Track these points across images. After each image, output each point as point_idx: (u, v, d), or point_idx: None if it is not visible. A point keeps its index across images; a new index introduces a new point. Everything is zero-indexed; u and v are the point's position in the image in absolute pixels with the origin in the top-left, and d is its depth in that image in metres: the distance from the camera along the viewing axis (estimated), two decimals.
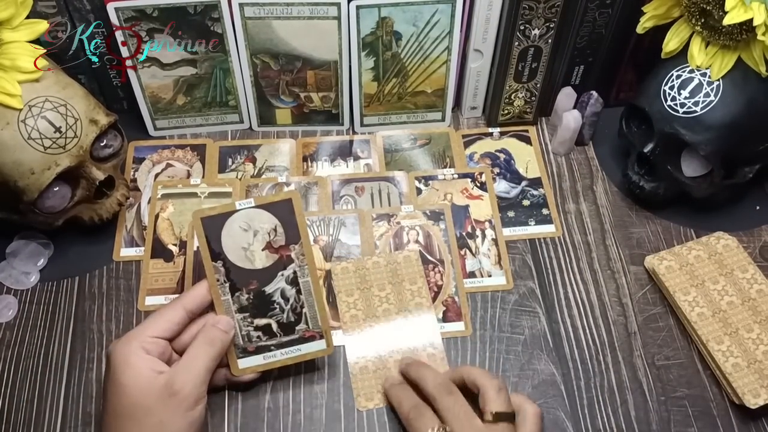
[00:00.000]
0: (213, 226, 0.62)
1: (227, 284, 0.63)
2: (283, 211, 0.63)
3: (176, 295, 0.71)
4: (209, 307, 0.63)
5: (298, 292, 0.64)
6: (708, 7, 0.66)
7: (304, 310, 0.64)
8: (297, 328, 0.64)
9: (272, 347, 0.64)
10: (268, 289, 0.63)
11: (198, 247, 0.72)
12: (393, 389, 0.65)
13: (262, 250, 0.63)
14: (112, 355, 0.57)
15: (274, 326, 0.63)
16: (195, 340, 0.60)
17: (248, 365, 0.64)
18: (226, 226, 0.63)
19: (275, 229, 0.63)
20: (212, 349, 0.60)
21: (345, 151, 0.84)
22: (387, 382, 0.66)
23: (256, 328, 0.63)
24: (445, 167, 0.82)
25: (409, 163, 0.83)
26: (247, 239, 0.63)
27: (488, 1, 0.74)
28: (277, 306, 0.64)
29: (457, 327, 0.70)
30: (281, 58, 0.78)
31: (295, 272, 0.64)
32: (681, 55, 0.72)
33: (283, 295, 0.64)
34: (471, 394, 0.61)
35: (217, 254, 0.62)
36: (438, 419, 0.59)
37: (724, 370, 0.66)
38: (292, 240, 0.63)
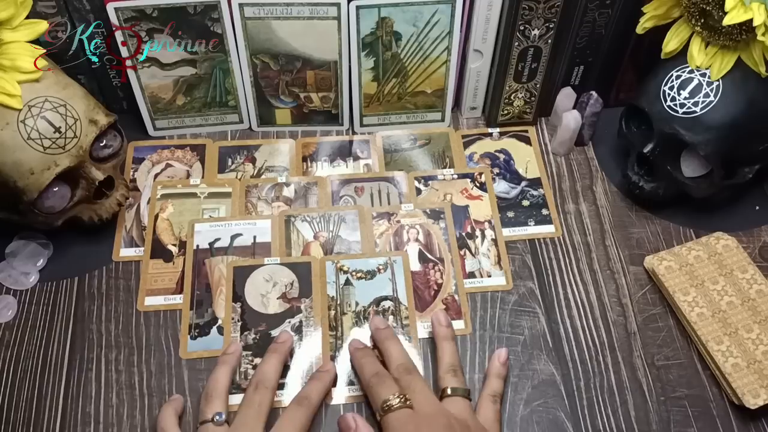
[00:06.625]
0: (241, 274, 0.72)
1: (239, 323, 0.69)
2: (303, 270, 0.72)
3: (178, 295, 0.72)
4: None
5: (300, 339, 0.68)
6: (708, 8, 0.66)
7: None
8: (289, 373, 0.66)
9: None
10: (274, 332, 0.68)
11: (197, 247, 0.74)
12: (357, 353, 0.65)
13: (277, 298, 0.71)
14: None
15: None
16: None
17: (236, 402, 0.64)
18: (252, 276, 0.72)
19: (292, 283, 0.71)
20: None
21: (345, 152, 0.84)
22: (351, 345, 0.66)
23: (254, 367, 0.66)
24: (444, 167, 0.82)
25: (409, 163, 0.83)
26: (267, 288, 0.71)
27: (488, 2, 0.74)
28: None
29: (457, 325, 0.70)
30: (281, 58, 0.78)
31: (301, 321, 0.69)
32: (681, 56, 0.72)
33: None
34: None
35: (238, 297, 0.70)
36: (398, 387, 0.60)
37: (724, 371, 0.66)
38: (304, 294, 0.71)
